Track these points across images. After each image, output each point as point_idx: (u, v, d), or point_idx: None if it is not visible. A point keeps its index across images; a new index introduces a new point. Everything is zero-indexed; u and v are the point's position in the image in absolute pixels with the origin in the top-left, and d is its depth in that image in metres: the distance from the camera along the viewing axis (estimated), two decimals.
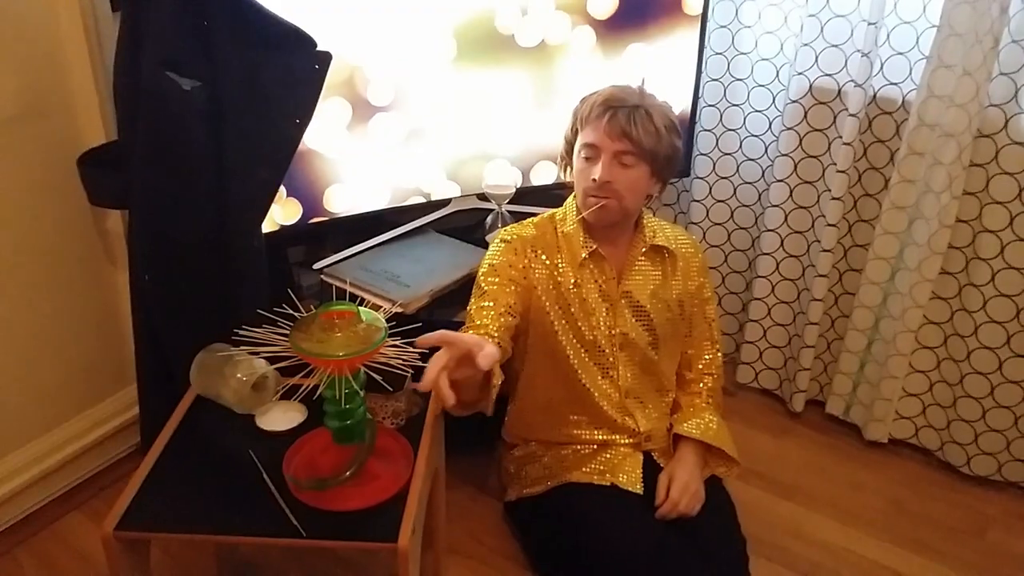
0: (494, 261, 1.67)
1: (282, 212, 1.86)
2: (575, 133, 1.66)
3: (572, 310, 1.69)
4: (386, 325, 1.26)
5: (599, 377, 1.73)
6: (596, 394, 1.72)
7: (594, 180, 1.59)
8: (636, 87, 1.63)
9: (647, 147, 1.57)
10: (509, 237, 1.71)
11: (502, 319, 1.60)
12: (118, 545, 1.26)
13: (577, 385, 1.72)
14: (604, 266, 1.69)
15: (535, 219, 1.75)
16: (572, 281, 1.68)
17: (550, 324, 1.69)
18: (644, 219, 1.73)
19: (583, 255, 1.67)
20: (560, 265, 1.69)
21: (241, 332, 1.26)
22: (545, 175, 2.14)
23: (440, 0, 1.85)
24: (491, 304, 1.61)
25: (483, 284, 1.65)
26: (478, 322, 1.58)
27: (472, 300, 1.65)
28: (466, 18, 1.89)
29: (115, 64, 1.63)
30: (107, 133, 1.80)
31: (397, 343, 1.27)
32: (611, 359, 1.72)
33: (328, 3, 1.74)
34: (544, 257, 1.69)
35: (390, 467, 1.38)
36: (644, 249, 1.72)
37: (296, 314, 1.26)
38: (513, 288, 1.64)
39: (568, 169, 1.72)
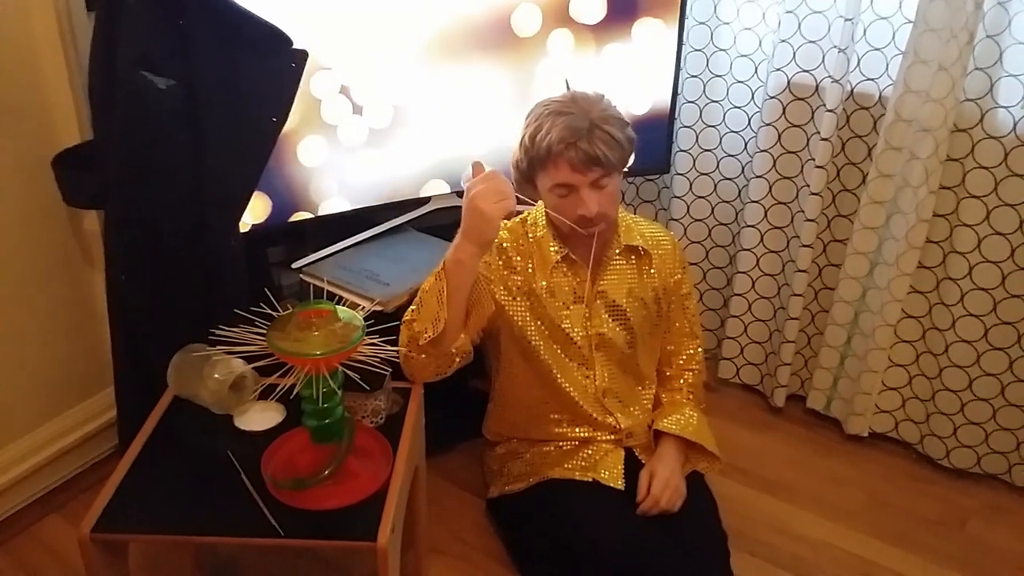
0: None
1: (256, 210, 1.85)
2: (531, 168, 1.61)
3: (547, 312, 1.69)
4: (364, 324, 1.26)
5: (578, 376, 1.73)
6: (575, 393, 1.72)
7: (583, 215, 1.57)
8: (569, 96, 1.59)
9: (616, 160, 1.55)
10: None
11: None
12: (95, 547, 1.25)
13: (555, 385, 1.72)
14: (577, 268, 1.69)
15: (507, 223, 1.74)
16: (544, 284, 1.68)
17: (520, 328, 1.69)
18: (618, 218, 1.73)
19: (555, 259, 1.67)
20: (530, 268, 1.69)
21: (218, 332, 1.25)
22: None
23: None
24: None
25: None
26: None
27: None
28: (446, 16, 1.89)
29: (90, 63, 1.62)
30: (82, 133, 1.78)
31: (375, 341, 1.27)
32: (588, 359, 1.72)
33: (304, 1, 1.73)
34: (517, 259, 1.69)
35: (369, 466, 1.37)
36: (618, 250, 1.72)
37: (274, 313, 1.26)
38: (484, 286, 1.64)
39: (523, 190, 1.68)
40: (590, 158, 1.52)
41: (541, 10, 1.96)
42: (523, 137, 1.61)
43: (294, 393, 1.25)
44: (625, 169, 1.64)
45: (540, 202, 1.70)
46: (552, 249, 1.68)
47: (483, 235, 1.49)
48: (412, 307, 1.59)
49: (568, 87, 1.63)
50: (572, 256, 1.68)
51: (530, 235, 1.71)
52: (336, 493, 1.31)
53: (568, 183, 1.56)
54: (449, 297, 1.51)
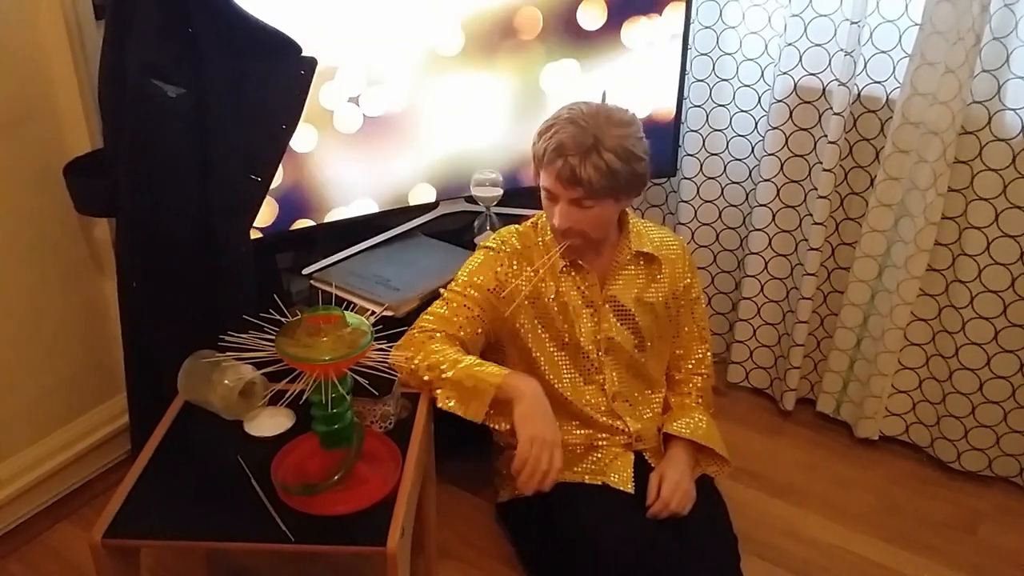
0: (475, 268, 1.69)
1: (264, 217, 1.86)
2: (535, 161, 1.62)
3: (553, 319, 1.69)
4: (372, 329, 1.26)
5: (581, 384, 1.73)
6: (578, 402, 1.72)
7: (553, 224, 1.61)
8: (595, 109, 1.56)
9: (600, 189, 1.53)
10: (495, 246, 1.71)
11: (472, 322, 1.66)
12: (107, 553, 1.26)
13: (555, 394, 1.71)
14: (584, 273, 1.69)
15: (519, 228, 1.75)
16: (553, 290, 1.68)
17: (523, 338, 1.70)
18: (629, 224, 1.73)
19: (562, 264, 1.68)
20: (540, 272, 1.69)
21: (228, 338, 1.26)
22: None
23: (429, 4, 1.86)
24: (466, 307, 1.65)
25: (457, 287, 1.68)
26: (453, 318, 1.64)
27: (448, 292, 1.68)
28: (452, 22, 1.90)
29: (100, 72, 1.63)
30: (92, 141, 1.79)
31: (384, 347, 1.27)
32: (597, 363, 1.72)
33: (313, 8, 1.74)
34: (528, 268, 1.70)
35: (378, 471, 1.37)
36: (628, 256, 1.72)
37: (283, 319, 1.26)
38: (485, 301, 1.66)
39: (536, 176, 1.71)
40: (574, 177, 1.52)
41: (543, 14, 1.96)
42: (540, 127, 1.62)
43: (303, 399, 1.25)
44: (626, 199, 1.63)
45: None
46: (559, 254, 1.68)
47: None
48: (446, 360, 1.57)
49: (604, 99, 1.63)
50: (579, 261, 1.68)
51: (539, 239, 1.72)
52: (346, 498, 1.31)
53: (551, 190, 1.58)
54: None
